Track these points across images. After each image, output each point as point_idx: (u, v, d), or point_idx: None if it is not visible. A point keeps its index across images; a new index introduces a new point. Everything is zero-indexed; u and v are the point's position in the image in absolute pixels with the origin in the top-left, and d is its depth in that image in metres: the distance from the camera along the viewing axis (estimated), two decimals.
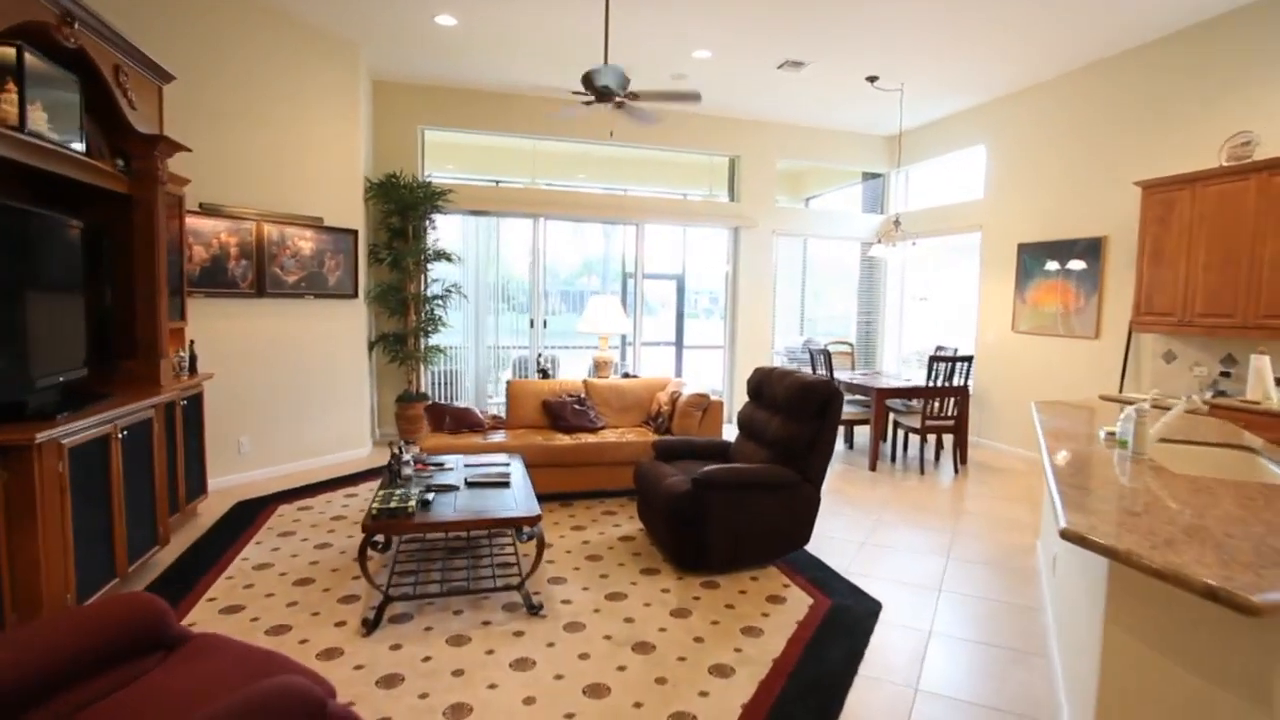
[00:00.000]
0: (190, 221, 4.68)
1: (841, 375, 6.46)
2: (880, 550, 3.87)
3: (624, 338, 7.62)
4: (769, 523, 3.43)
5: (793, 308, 8.43)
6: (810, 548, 3.82)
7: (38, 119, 2.91)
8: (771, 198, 7.90)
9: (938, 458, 6.14)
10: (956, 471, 5.70)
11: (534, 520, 2.98)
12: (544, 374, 5.85)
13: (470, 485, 3.43)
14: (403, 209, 6.26)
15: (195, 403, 4.23)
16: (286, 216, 5.27)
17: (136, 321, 3.72)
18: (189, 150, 3.91)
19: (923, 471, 5.67)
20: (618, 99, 4.22)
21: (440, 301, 6.64)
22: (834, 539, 4.03)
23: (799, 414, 3.53)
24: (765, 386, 4.00)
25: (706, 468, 3.39)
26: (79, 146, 3.12)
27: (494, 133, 7.02)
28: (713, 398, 4.98)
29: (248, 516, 4.35)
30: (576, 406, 5.11)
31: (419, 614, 2.99)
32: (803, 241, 8.32)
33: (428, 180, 6.44)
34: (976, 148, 7.04)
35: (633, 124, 4.68)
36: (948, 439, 6.36)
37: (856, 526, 4.29)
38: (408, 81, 6.62)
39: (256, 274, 5.12)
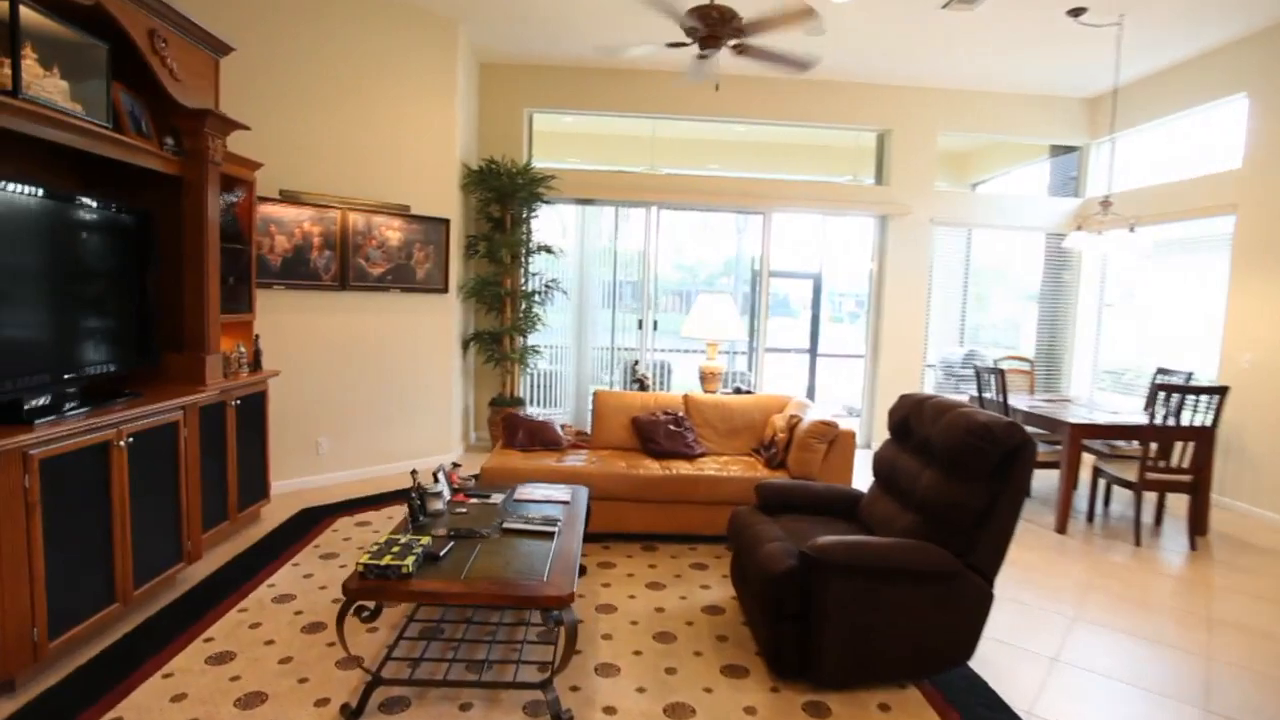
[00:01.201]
0: (271, 210, 4.41)
1: (1018, 401, 5.10)
2: (1084, 677, 2.67)
3: (747, 343, 6.67)
4: (911, 627, 2.40)
5: (951, 312, 7.03)
6: (974, 661, 2.69)
7: (50, 87, 2.56)
8: (929, 180, 6.57)
9: (1158, 521, 4.61)
10: (1193, 546, 4.18)
11: (563, 602, 2.19)
12: (641, 385, 5.07)
13: (506, 532, 2.71)
14: (501, 197, 5.75)
15: (255, 402, 3.90)
16: (373, 205, 4.90)
17: (185, 314, 3.39)
18: (246, 128, 3.55)
19: (1138, 541, 4.20)
20: (722, 41, 3.35)
21: (539, 298, 6.08)
22: (1009, 646, 2.88)
23: (965, 469, 2.46)
24: (915, 422, 2.94)
25: (822, 539, 2.43)
26: (103, 119, 2.76)
27: (606, 112, 6.34)
28: (843, 426, 3.94)
29: (304, 527, 3.98)
30: (672, 427, 4.27)
31: (418, 701, 2.32)
32: (966, 233, 6.90)
33: (528, 165, 5.89)
34: (1232, 100, 5.29)
35: (755, 72, 3.77)
36: (1176, 497, 4.74)
37: (1043, 625, 3.09)
38: (513, 61, 6.12)
39: (340, 265, 4.79)
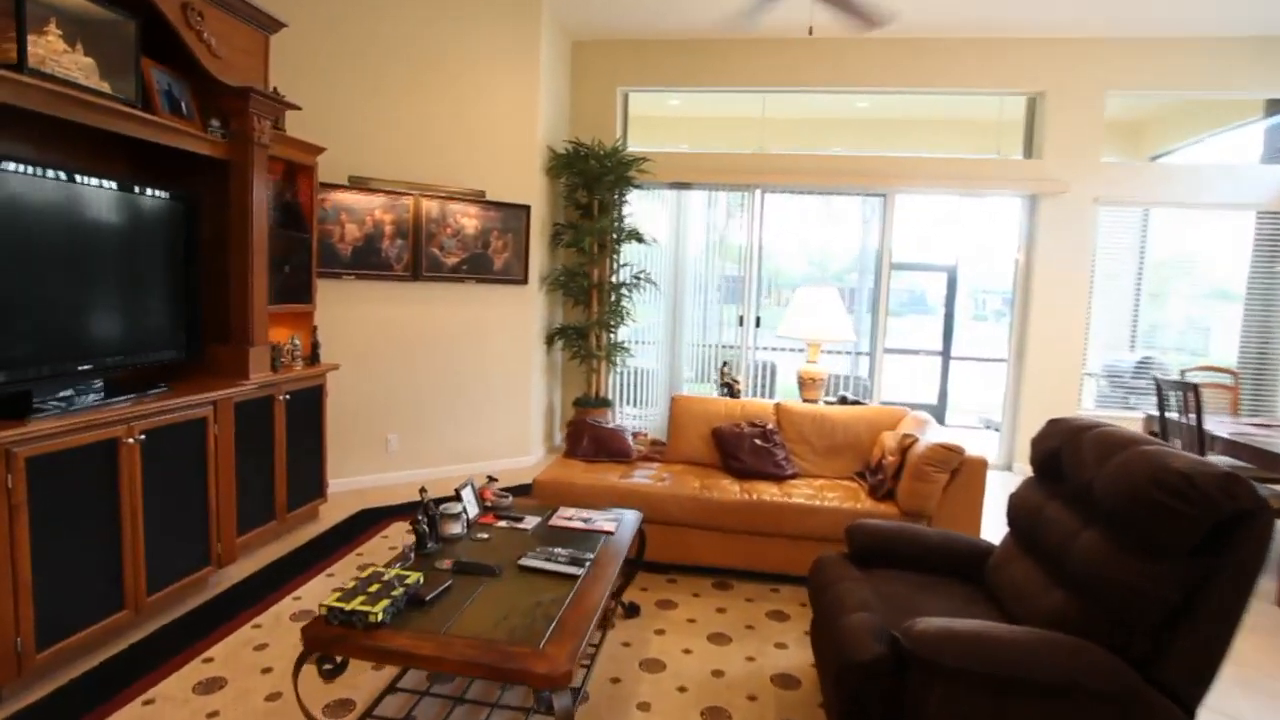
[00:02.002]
0: (342, 197, 4.24)
1: (1217, 426, 3.96)
2: None
3: (868, 345, 5.82)
4: None
5: (1119, 311, 5.77)
6: None
7: (69, 63, 2.40)
8: (1093, 151, 5.39)
9: None
10: None
11: (555, 682, 1.66)
12: (731, 390, 4.44)
13: (522, 570, 2.23)
14: (589, 182, 5.32)
15: (310, 396, 3.72)
16: (448, 191, 4.63)
17: (230, 304, 3.22)
18: (295, 107, 3.33)
19: None
20: None
21: (628, 290, 5.60)
22: None
23: (1149, 539, 1.67)
24: (1070, 460, 2.14)
25: (927, 623, 1.74)
26: (130, 98, 2.58)
27: (710, 88, 5.72)
28: (973, 451, 3.13)
29: (357, 530, 3.76)
30: (759, 442, 3.63)
31: None
32: (1142, 215, 5.62)
33: (617, 147, 5.41)
34: None
35: (879, 34, 3.09)
36: None
37: None
38: (606, 36, 5.66)
39: (412, 255, 4.56)
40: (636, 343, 6.03)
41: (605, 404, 5.62)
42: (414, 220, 4.54)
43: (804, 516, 3.19)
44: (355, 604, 1.85)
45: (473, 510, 2.67)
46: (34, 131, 2.56)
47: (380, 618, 1.84)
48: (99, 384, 2.58)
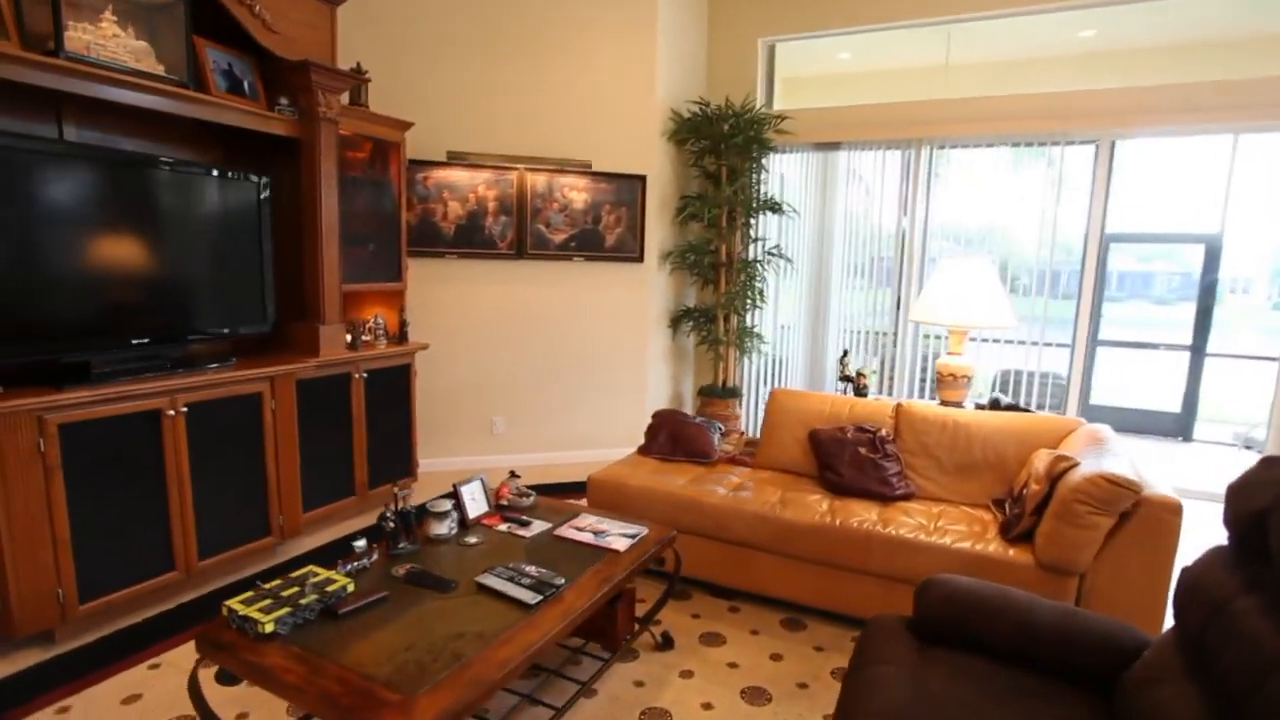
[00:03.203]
0: (445, 174, 4.23)
1: None
2: None
3: (1061, 336, 4.59)
4: None
5: None
6: None
7: (118, 47, 2.54)
8: None
9: None
10: None
11: None
12: (856, 387, 3.69)
13: (480, 589, 1.90)
14: (715, 146, 4.80)
15: (395, 375, 3.74)
16: (552, 163, 4.43)
17: (304, 281, 3.32)
18: (359, 79, 3.32)
19: None
20: None
21: (760, 268, 5.00)
22: None
23: None
24: None
25: None
26: (182, 78, 2.69)
27: (872, 26, 4.79)
28: (1158, 491, 2.17)
29: None
30: (864, 451, 2.92)
31: None
32: None
33: (751, 107, 4.80)
34: None
35: None
36: None
37: None
38: None
39: (516, 232, 4.44)
40: (782, 327, 5.38)
41: (733, 394, 5.09)
42: (518, 196, 4.40)
43: (896, 553, 2.46)
44: (253, 609, 1.67)
45: (475, 509, 2.41)
46: (122, 120, 2.78)
47: (270, 628, 1.63)
48: (160, 356, 2.74)
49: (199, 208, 2.84)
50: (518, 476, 2.63)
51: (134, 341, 2.64)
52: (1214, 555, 1.49)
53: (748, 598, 2.86)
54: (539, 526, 2.38)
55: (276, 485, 3.05)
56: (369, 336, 3.68)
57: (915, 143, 4.72)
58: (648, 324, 4.85)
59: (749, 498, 2.79)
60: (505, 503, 2.55)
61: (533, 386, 4.65)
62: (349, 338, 3.51)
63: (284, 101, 3.13)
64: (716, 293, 5.03)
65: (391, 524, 2.12)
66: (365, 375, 3.53)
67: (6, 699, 2.10)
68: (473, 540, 2.24)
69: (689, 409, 5.52)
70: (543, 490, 3.98)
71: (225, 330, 2.99)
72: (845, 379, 3.63)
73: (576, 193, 4.53)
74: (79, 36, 2.45)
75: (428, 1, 4.12)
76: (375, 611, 1.78)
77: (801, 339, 5.30)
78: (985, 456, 2.85)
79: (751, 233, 5.10)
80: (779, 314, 5.36)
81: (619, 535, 2.31)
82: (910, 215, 4.77)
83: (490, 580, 1.93)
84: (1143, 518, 2.16)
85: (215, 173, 2.90)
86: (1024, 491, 2.48)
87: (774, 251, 4.98)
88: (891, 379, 4.96)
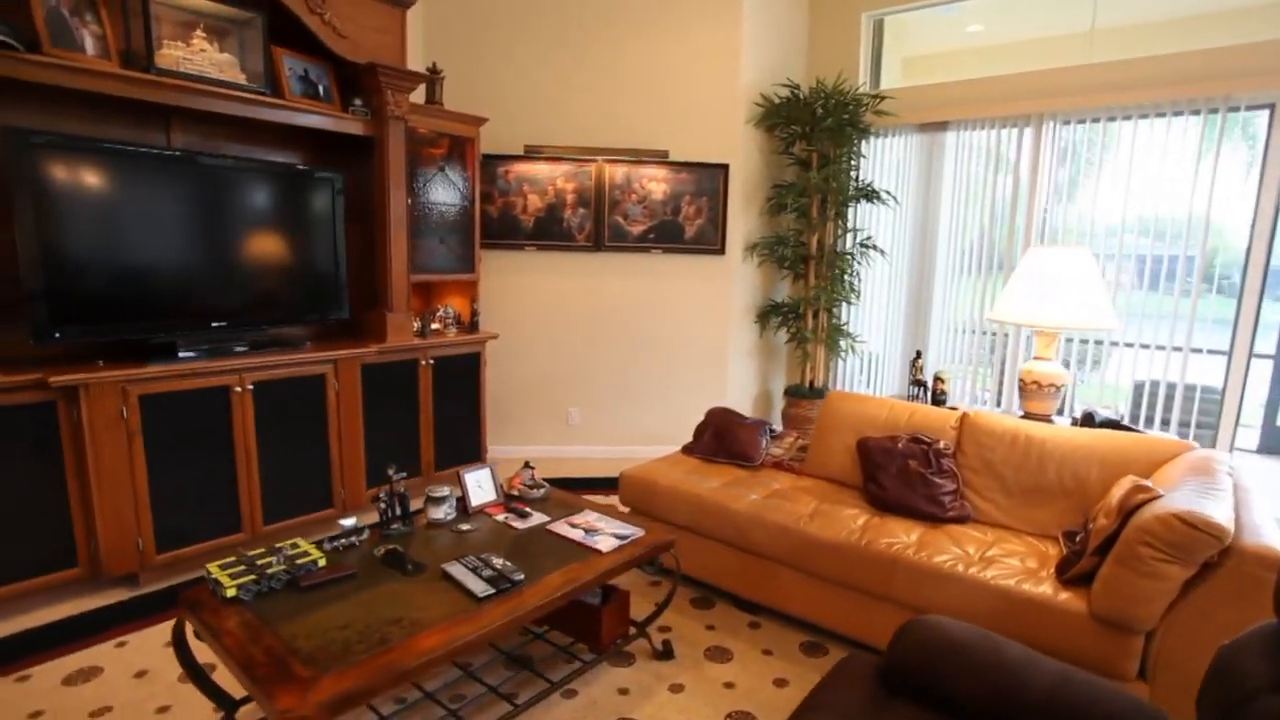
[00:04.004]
0: (524, 168, 4.33)
1: None
2: None
3: (1212, 341, 3.80)
4: None
5: None
6: None
7: (203, 60, 2.85)
8: None
9: None
10: None
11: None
12: (933, 394, 3.30)
13: (445, 577, 1.91)
14: (806, 132, 4.51)
15: (463, 363, 3.89)
16: (628, 154, 4.38)
17: (375, 271, 3.55)
18: (427, 78, 3.47)
19: None
20: None
21: (853, 261, 4.65)
22: None
23: None
24: None
25: None
26: (260, 85, 2.97)
27: None
28: (1252, 539, 1.71)
29: None
30: (914, 464, 2.60)
31: None
32: None
33: (844, 87, 4.45)
34: None
35: None
36: None
37: None
38: None
39: (594, 224, 4.45)
40: (878, 324, 4.95)
41: (820, 395, 4.77)
42: (596, 188, 4.41)
43: (921, 582, 2.15)
44: (224, 574, 1.79)
45: (480, 497, 2.43)
46: (216, 126, 3.12)
47: (232, 593, 1.74)
48: (236, 339, 3.05)
49: (277, 203, 3.12)
50: (531, 468, 2.63)
51: (213, 325, 2.96)
52: (1254, 636, 1.13)
53: (773, 614, 2.65)
54: (537, 519, 2.35)
55: (339, 460, 3.29)
56: (438, 325, 3.86)
57: (1037, 118, 4.11)
58: (729, 318, 4.66)
59: (777, 506, 2.58)
60: (516, 493, 2.56)
61: (609, 379, 4.64)
62: (418, 325, 3.70)
63: (357, 102, 3.34)
64: (806, 287, 4.74)
65: (384, 505, 2.20)
66: (432, 362, 3.71)
67: (86, 628, 2.45)
68: (466, 528, 2.27)
69: (777, 409, 5.26)
70: (598, 483, 4.00)
71: (299, 316, 3.26)
72: (917, 383, 3.24)
73: (655, 184, 4.45)
74: (170, 53, 2.78)
75: (499, 1, 4.22)
76: (337, 588, 1.85)
77: (899, 337, 4.84)
78: (1061, 480, 2.42)
79: (846, 223, 4.74)
80: (874, 310, 4.93)
81: (610, 535, 2.22)
82: (1030, 200, 4.16)
83: (454, 568, 1.94)
84: (1231, 571, 1.71)
85: (293, 170, 3.17)
86: (1088, 526, 2.07)
87: (867, 243, 4.59)
88: (1001, 384, 4.38)
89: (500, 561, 1.97)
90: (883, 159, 4.73)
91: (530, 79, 4.27)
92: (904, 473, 2.60)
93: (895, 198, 4.64)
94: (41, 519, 2.51)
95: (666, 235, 4.52)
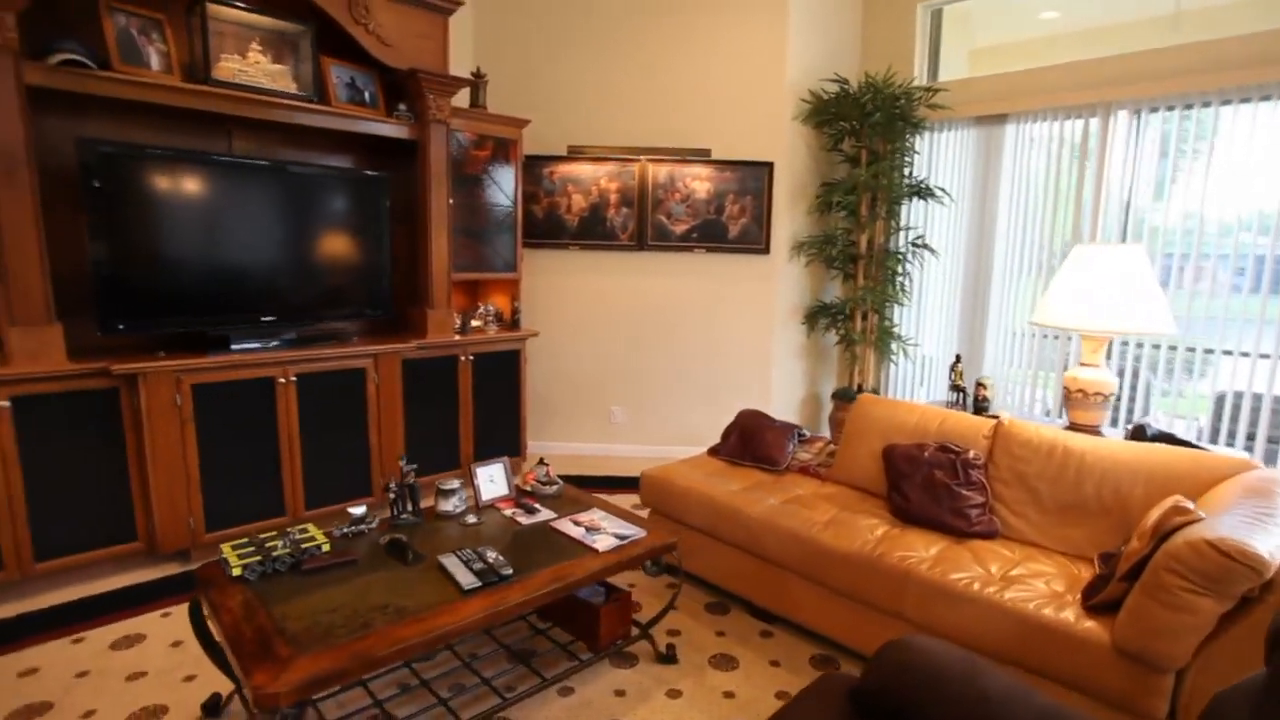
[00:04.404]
0: (568, 168, 4.37)
1: None
2: None
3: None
4: None
5: None
6: None
7: (256, 71, 3.02)
8: None
9: None
10: None
11: (258, 699, 1.47)
12: (976, 404, 3.10)
13: (439, 568, 1.94)
14: (855, 128, 4.34)
15: (503, 359, 3.95)
16: (670, 153, 4.34)
17: (418, 269, 3.66)
18: (468, 83, 3.54)
19: None
20: None
21: (904, 260, 4.44)
22: None
23: None
24: None
25: None
26: (308, 93, 3.12)
27: None
28: None
29: None
30: (940, 474, 2.45)
31: None
32: None
33: (894, 81, 4.25)
34: None
35: None
36: None
37: None
38: None
39: (638, 223, 4.43)
40: (939, 323, 4.70)
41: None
42: (639, 187, 4.39)
43: (932, 600, 2.01)
44: (234, 554, 1.88)
45: (492, 492, 2.46)
46: (271, 132, 3.30)
47: (238, 572, 1.83)
48: (283, 333, 3.21)
49: (325, 205, 3.26)
50: (546, 465, 2.64)
51: (263, 319, 3.13)
52: (1244, 683, 0.98)
53: (788, 625, 2.55)
54: (544, 515, 2.36)
55: (379, 450, 3.41)
56: (479, 322, 3.94)
57: (1104, 108, 3.78)
58: (773, 319, 4.54)
59: (793, 513, 2.48)
60: (529, 488, 2.57)
61: (651, 378, 4.61)
62: (458, 322, 3.79)
63: (401, 107, 3.45)
64: (855, 287, 4.56)
65: (394, 496, 2.26)
66: (472, 358, 3.79)
67: (138, 598, 2.64)
68: (472, 520, 2.30)
69: (825, 412, 5.09)
70: (636, 484, 3.97)
71: (344, 312, 3.40)
72: (956, 389, 3.04)
73: (699, 182, 4.39)
74: (228, 65, 2.95)
75: (545, 4, 4.26)
76: (337, 573, 1.91)
77: (955, 340, 4.57)
78: (1100, 496, 2.21)
79: (897, 221, 4.53)
80: (928, 312, 4.67)
81: (610, 535, 2.20)
82: (1097, 194, 3.83)
83: (448, 560, 1.96)
84: (1274, 607, 1.50)
85: (341, 173, 3.30)
86: (1121, 550, 1.87)
87: (918, 242, 4.36)
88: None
89: (494, 555, 1.98)
90: (938, 155, 4.48)
91: (575, 80, 4.30)
92: (929, 483, 2.45)
93: (949, 195, 4.38)
94: (106, 496, 2.72)
95: (710, 234, 4.44)
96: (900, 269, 4.45)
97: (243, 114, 2.95)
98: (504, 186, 3.99)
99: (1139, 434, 2.49)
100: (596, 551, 2.10)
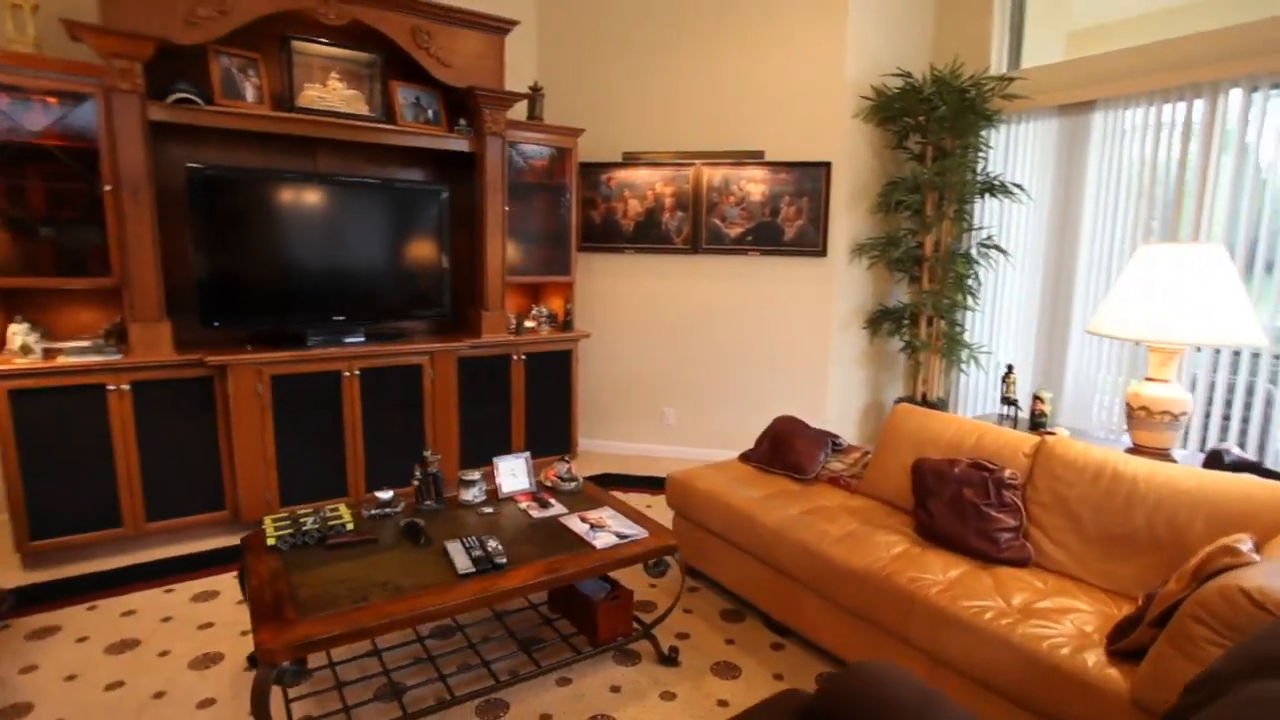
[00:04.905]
0: (624, 174, 4.37)
1: None
2: None
3: None
4: None
5: None
6: None
7: (333, 97, 3.24)
8: None
9: None
10: None
11: (262, 654, 1.53)
12: (1034, 420, 2.80)
13: (441, 553, 1.99)
14: (922, 124, 4.06)
15: (555, 359, 4.01)
16: (727, 155, 4.24)
17: (475, 273, 3.79)
18: (520, 96, 3.61)
19: None
20: None
21: (972, 261, 4.10)
22: None
23: None
24: None
25: None
26: (376, 114, 3.31)
27: None
28: None
29: None
30: (970, 493, 2.23)
31: None
32: None
33: (960, 72, 3.93)
34: None
35: None
36: None
37: None
38: None
39: (692, 227, 4.37)
40: (1016, 329, 4.31)
41: (936, 408, 4.25)
42: (694, 191, 4.31)
43: (939, 627, 1.83)
44: (272, 525, 2.02)
45: (512, 485, 2.50)
46: (351, 150, 3.52)
47: (272, 542, 1.96)
48: (351, 330, 3.41)
49: (392, 214, 3.44)
50: (567, 462, 2.64)
51: (334, 319, 3.34)
52: None
53: (801, 639, 2.42)
54: (555, 510, 2.36)
55: (434, 441, 3.55)
56: (532, 323, 4.01)
57: (1212, 88, 3.28)
58: (830, 323, 4.33)
59: (809, 524, 2.35)
60: (549, 483, 2.59)
61: (705, 381, 4.53)
62: (513, 322, 3.88)
63: (462, 122, 3.58)
64: (920, 291, 4.26)
65: (418, 483, 2.34)
66: (524, 357, 3.87)
67: (222, 559, 2.89)
68: (488, 510, 2.34)
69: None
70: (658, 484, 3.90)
71: (407, 312, 3.57)
72: (1008, 402, 2.76)
73: (754, 185, 4.25)
74: (310, 93, 3.18)
75: (603, 16, 4.27)
76: (356, 549, 2.00)
77: (1032, 348, 4.15)
78: (1152, 529, 1.92)
79: (968, 221, 4.18)
80: (1004, 316, 4.27)
81: (611, 533, 2.17)
82: (1202, 186, 3.35)
83: (452, 545, 2.01)
84: None
85: (406, 185, 3.47)
86: (1156, 593, 1.62)
87: (987, 243, 4.00)
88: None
89: (494, 544, 2.00)
90: (1014, 149, 4.08)
91: (629, 89, 4.28)
92: (956, 501, 2.23)
93: (1026, 191, 3.98)
94: (202, 469, 3.01)
95: (765, 237, 4.30)
96: (969, 271, 4.10)
97: (323, 135, 3.17)
98: (559, 193, 4.05)
99: (1214, 461, 2.14)
100: (594, 548, 2.08)
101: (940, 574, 2.00)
